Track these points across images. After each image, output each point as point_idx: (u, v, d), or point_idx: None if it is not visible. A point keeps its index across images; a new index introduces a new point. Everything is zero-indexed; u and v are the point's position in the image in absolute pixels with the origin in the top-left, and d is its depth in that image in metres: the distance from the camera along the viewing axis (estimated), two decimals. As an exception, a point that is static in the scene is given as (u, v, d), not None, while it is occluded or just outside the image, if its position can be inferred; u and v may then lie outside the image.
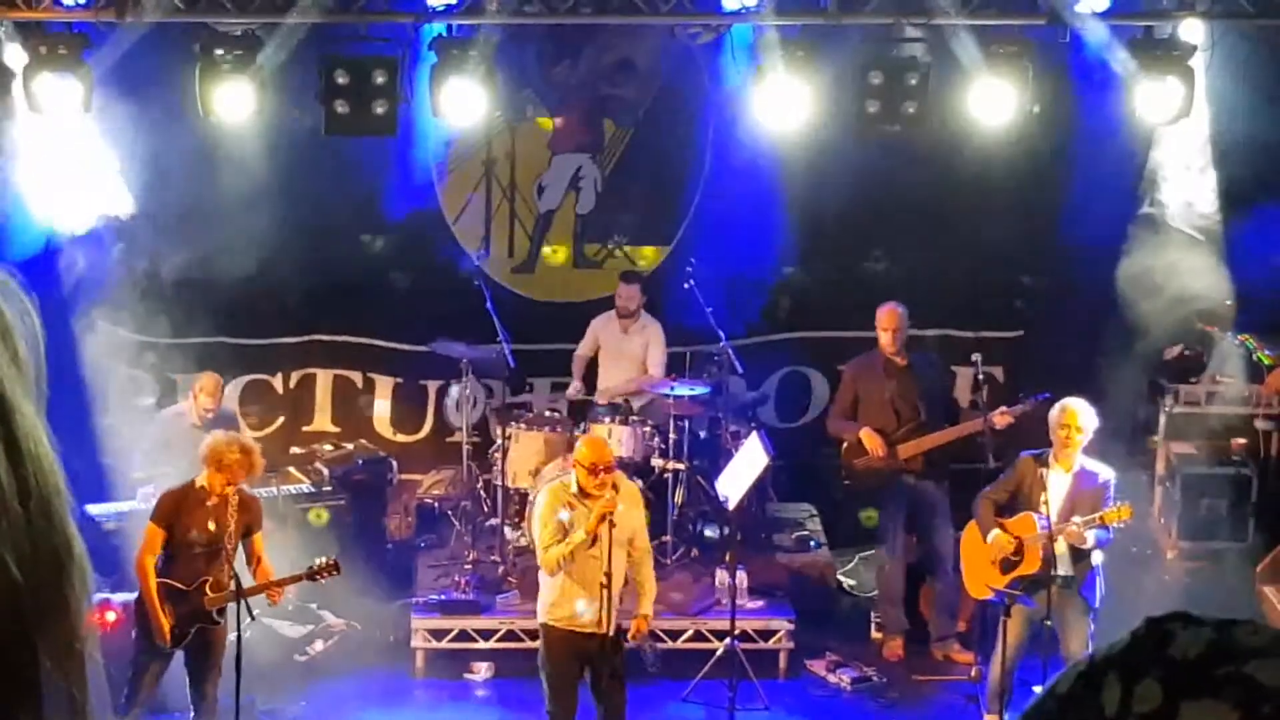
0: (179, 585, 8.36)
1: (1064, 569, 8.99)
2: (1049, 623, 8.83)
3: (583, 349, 12.01)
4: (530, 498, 10.66)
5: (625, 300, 11.71)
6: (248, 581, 8.43)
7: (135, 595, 8.60)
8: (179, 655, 8.54)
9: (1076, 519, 8.85)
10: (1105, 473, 9.07)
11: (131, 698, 8.40)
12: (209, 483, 8.33)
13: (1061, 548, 8.96)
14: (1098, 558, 9.03)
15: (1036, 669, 8.82)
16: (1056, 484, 8.94)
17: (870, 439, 10.50)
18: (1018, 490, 9.21)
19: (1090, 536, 8.87)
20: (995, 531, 9.15)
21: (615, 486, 8.35)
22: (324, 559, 8.60)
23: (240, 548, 8.51)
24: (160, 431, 10.66)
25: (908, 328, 10.62)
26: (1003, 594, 9.01)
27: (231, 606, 8.40)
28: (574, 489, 8.36)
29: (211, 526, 8.37)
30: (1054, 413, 9.04)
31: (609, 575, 8.25)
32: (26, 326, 1.18)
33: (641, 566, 8.62)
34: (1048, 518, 8.84)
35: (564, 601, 8.43)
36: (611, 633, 8.40)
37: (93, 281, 11.26)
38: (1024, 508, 9.12)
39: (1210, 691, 1.08)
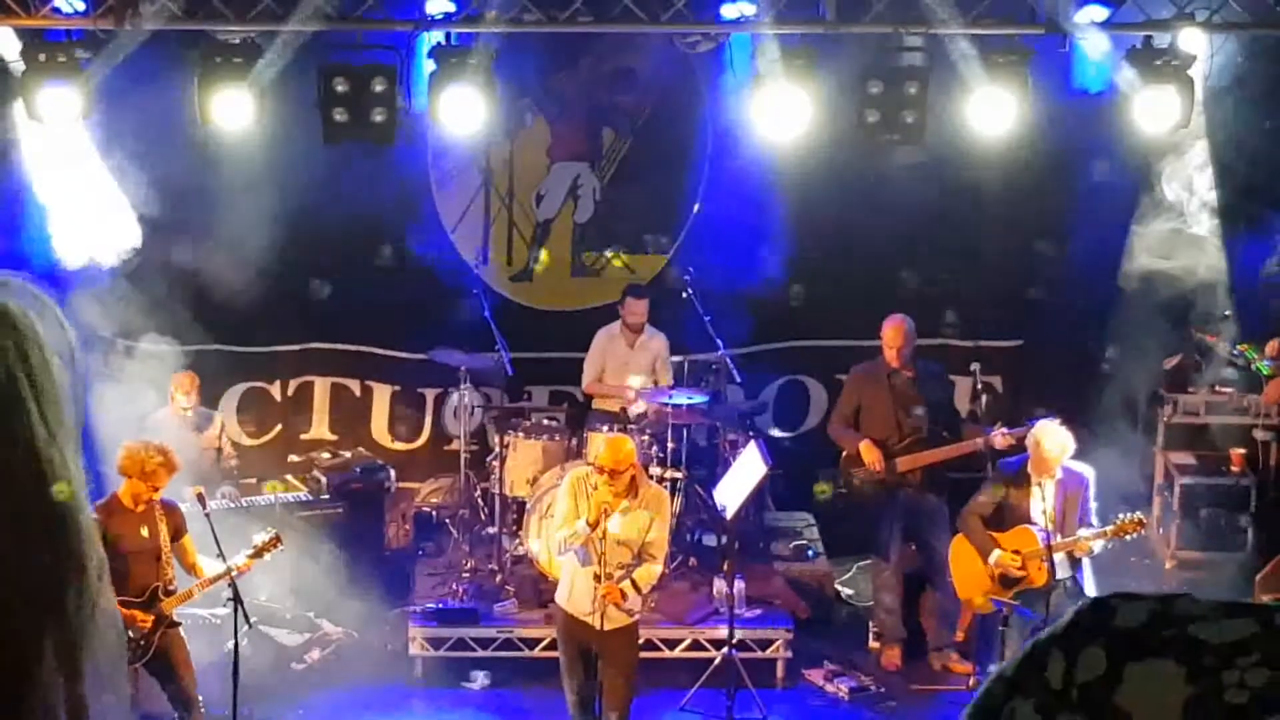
0: (134, 598, 8.39)
1: (1062, 572, 8.99)
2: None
3: (593, 374, 11.82)
4: (529, 505, 10.67)
5: (636, 315, 11.62)
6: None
7: None
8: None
9: (1084, 532, 8.82)
10: (1086, 471, 9.06)
11: None
12: (133, 492, 8.41)
13: (1060, 554, 8.96)
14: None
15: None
16: (1046, 493, 8.90)
17: (869, 452, 10.43)
18: (1004, 502, 9.19)
19: (1098, 547, 8.86)
20: (998, 553, 9.08)
21: (635, 491, 8.46)
22: (266, 536, 8.68)
23: (174, 555, 8.57)
24: (154, 436, 10.63)
25: (914, 340, 10.55)
26: (1001, 604, 8.99)
27: (228, 613, 8.45)
28: (593, 482, 8.50)
29: (145, 533, 8.46)
30: (1031, 441, 9.02)
31: (601, 568, 8.36)
32: (62, 344, 1.16)
33: (642, 567, 8.62)
34: (1047, 531, 8.81)
35: (566, 587, 8.77)
36: (608, 626, 8.48)
37: (89, 289, 11.22)
38: (1012, 518, 9.08)
39: (1154, 652, 1.09)
